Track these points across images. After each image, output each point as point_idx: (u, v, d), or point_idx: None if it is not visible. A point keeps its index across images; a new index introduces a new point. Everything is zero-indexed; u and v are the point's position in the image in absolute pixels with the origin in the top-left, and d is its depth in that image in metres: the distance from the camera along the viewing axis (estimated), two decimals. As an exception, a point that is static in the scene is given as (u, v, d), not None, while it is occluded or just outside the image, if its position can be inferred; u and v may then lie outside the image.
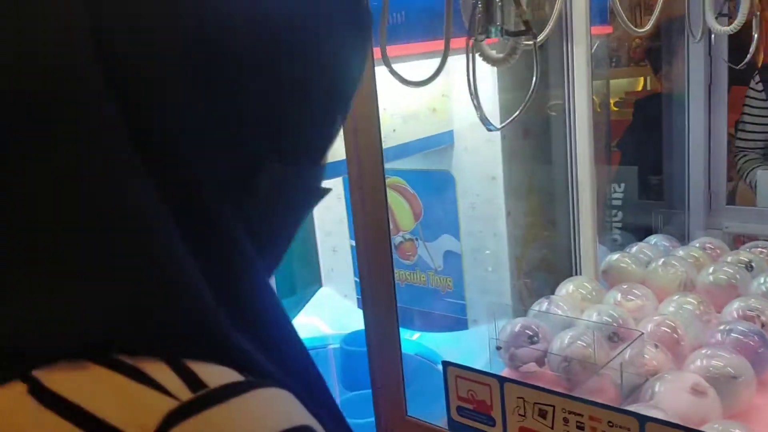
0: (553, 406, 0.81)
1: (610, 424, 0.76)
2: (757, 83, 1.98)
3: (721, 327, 1.13)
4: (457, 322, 1.71)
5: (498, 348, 1.26)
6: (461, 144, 1.61)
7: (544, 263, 1.66)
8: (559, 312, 1.31)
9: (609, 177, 2.11)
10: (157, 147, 0.34)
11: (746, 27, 1.51)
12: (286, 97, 0.39)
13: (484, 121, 0.85)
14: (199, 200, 0.36)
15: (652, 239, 1.68)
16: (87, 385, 0.32)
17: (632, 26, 1.44)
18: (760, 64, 1.97)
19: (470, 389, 0.91)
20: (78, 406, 0.31)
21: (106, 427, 0.31)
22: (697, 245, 1.59)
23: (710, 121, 1.87)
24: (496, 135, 1.55)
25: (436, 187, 1.69)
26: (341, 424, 0.43)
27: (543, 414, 0.82)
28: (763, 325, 1.16)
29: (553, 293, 1.43)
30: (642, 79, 3.81)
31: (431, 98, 1.56)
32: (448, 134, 1.61)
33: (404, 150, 1.54)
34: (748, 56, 1.60)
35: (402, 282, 1.82)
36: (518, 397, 0.84)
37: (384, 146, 1.46)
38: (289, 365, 0.39)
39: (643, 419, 0.74)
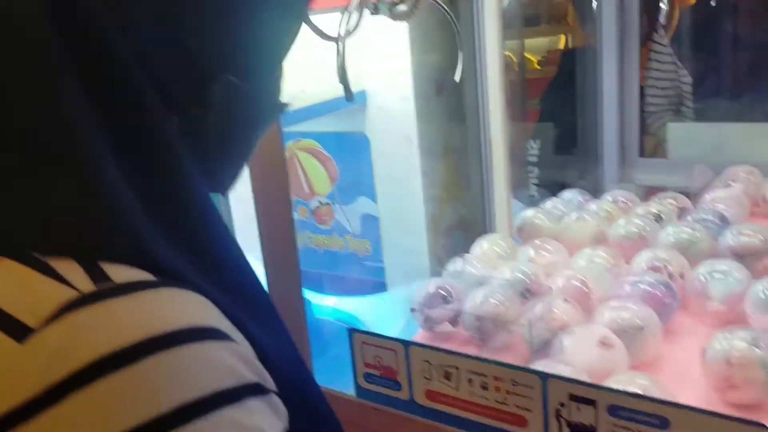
0: (458, 368, 0.79)
1: (514, 383, 0.74)
2: (662, 36, 1.99)
3: (630, 279, 1.14)
4: (376, 285, 1.69)
5: (412, 310, 1.24)
6: (374, 104, 1.57)
7: (461, 222, 1.65)
8: (473, 271, 1.30)
9: (527, 134, 2.11)
10: (93, 53, 0.34)
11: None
12: (231, 2, 0.39)
13: (347, 91, 0.80)
14: (139, 111, 0.36)
15: (566, 194, 1.69)
16: None
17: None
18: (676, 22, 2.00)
19: (376, 355, 0.88)
20: None
21: None
22: (610, 199, 1.61)
23: (623, 74, 1.88)
24: (410, 94, 1.51)
25: (351, 150, 1.64)
26: (289, 350, 0.42)
27: (448, 376, 0.80)
28: (670, 276, 1.18)
29: (468, 252, 1.42)
30: (563, 36, 3.85)
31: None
32: (360, 94, 1.56)
33: (315, 111, 1.49)
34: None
35: (320, 247, 1.77)
36: (424, 361, 0.82)
37: (292, 107, 1.40)
38: (231, 287, 0.37)
39: (545, 376, 0.72)
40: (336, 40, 0.96)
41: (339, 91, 1.51)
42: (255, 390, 0.34)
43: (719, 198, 1.48)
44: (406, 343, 0.84)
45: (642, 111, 2.03)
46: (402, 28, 1.45)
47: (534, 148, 1.91)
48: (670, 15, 2.25)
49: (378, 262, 1.69)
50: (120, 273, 0.33)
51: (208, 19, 0.39)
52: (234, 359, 0.33)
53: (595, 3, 1.82)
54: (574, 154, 2.06)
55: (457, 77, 1.18)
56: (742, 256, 1.21)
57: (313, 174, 1.72)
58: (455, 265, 1.33)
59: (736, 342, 0.88)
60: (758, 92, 1.87)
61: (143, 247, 0.34)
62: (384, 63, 1.49)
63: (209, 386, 0.31)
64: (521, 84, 2.02)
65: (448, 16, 1.16)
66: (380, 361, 0.89)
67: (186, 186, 0.37)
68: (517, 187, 2.18)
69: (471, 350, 1.11)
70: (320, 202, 1.74)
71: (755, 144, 1.74)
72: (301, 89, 1.38)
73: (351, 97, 1.15)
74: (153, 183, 0.35)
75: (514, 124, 2.09)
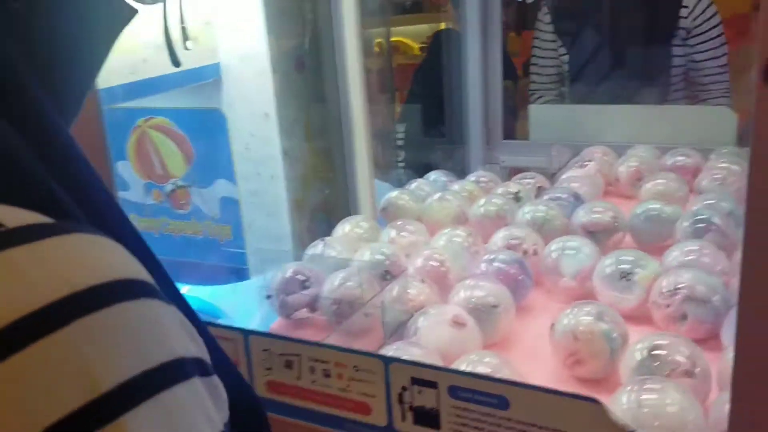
0: (299, 356, 0.73)
1: (356, 369, 0.70)
2: (545, 14, 1.99)
3: (486, 257, 1.13)
4: (238, 272, 1.60)
5: (268, 297, 1.17)
6: (230, 78, 1.47)
7: (325, 205, 1.59)
8: (333, 253, 1.25)
9: (394, 117, 2.10)
10: None
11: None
12: None
13: (172, 55, 0.72)
14: None
15: (432, 175, 1.68)
16: None
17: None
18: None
19: (215, 346, 0.81)
20: None
21: None
22: (473, 179, 1.61)
23: (486, 59, 1.89)
24: (267, 69, 1.43)
25: (207, 128, 1.54)
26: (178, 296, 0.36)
27: (289, 365, 0.74)
28: (525, 252, 1.19)
29: (331, 235, 1.37)
30: (443, 24, 3.89)
31: (191, 26, 1.39)
32: (213, 67, 1.45)
33: (159, 84, 1.36)
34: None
35: (176, 233, 1.66)
36: (263, 350, 0.76)
37: (132, 78, 1.28)
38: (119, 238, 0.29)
39: (387, 360, 0.68)
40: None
41: (187, 63, 1.41)
42: (201, 368, 0.27)
43: (574, 177, 1.52)
44: (246, 332, 0.78)
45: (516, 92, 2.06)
46: (257, 4, 1.36)
47: (401, 131, 1.90)
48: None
49: (239, 248, 1.60)
50: (7, 214, 0.25)
51: None
52: (176, 325, 0.27)
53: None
54: (442, 137, 2.06)
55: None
56: (593, 232, 1.24)
57: (166, 154, 1.60)
58: (315, 248, 1.28)
59: (582, 317, 0.88)
60: (623, 75, 1.93)
61: (31, 181, 0.27)
62: (239, 35, 1.40)
63: (154, 357, 0.25)
64: (389, 69, 2.00)
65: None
66: (220, 352, 0.82)
67: (43, 113, 0.31)
68: (389, 169, 2.16)
69: (330, 337, 1.06)
70: (176, 185, 1.63)
71: (612, 125, 1.81)
72: (143, 59, 1.26)
73: (177, 63, 1.05)
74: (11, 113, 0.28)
75: (379, 106, 2.07)
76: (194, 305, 1.37)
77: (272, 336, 0.76)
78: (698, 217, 1.15)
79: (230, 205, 1.58)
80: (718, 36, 1.82)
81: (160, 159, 1.60)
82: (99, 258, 0.26)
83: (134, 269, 0.27)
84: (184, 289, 1.52)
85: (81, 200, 0.30)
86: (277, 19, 1.41)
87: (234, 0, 1.40)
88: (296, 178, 1.52)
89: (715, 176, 1.38)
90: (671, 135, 1.67)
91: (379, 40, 2.45)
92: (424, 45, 3.72)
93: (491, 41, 1.88)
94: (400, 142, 1.93)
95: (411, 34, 3.82)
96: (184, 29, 1.35)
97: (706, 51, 1.83)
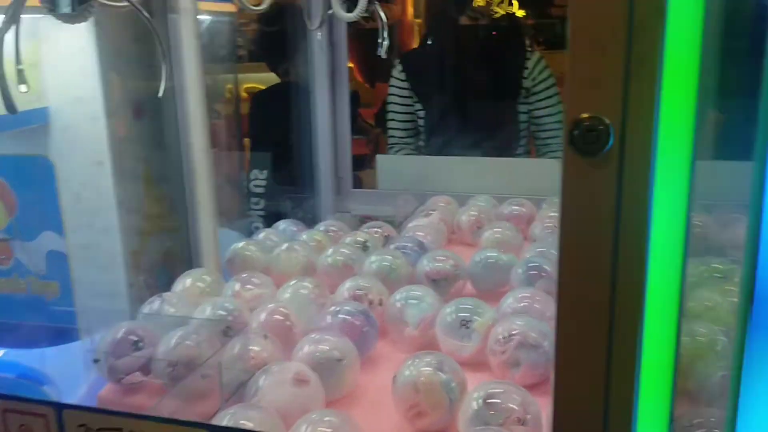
0: (120, 430, 0.67)
1: (184, 441, 0.64)
2: (400, 72, 2.06)
3: (331, 309, 1.12)
4: (67, 333, 1.47)
5: (95, 361, 1.08)
6: (59, 123, 1.37)
7: (166, 257, 1.51)
8: (172, 310, 1.18)
9: (244, 164, 2.06)
10: None
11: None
12: None
13: (7, 101, 0.66)
14: None
15: (281, 225, 1.66)
16: None
17: (248, 4, 1.37)
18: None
19: (23, 424, 0.72)
20: None
21: None
22: (322, 228, 1.61)
23: (335, 110, 1.92)
24: (101, 114, 1.35)
25: (32, 175, 1.42)
26: None
27: (108, 441, 0.67)
28: (370, 303, 1.18)
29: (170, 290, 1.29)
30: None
31: (15, 68, 1.28)
32: (40, 111, 1.35)
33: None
34: (384, 43, 1.58)
35: (-5, 292, 1.50)
36: (80, 426, 0.68)
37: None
38: None
39: (212, 429, 0.64)
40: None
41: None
42: None
43: (419, 226, 1.56)
44: (59, 406, 0.70)
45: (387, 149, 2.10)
46: (89, 40, 1.29)
47: (260, 177, 1.86)
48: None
49: (69, 305, 1.47)
50: None
51: None
52: None
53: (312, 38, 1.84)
54: (293, 185, 2.05)
55: (160, 92, 1.07)
56: (436, 280, 1.27)
57: (-16, 205, 1.45)
58: (152, 305, 1.20)
59: (422, 368, 0.89)
60: (473, 129, 2.04)
61: None
62: (69, 78, 1.31)
63: None
64: (236, 115, 1.97)
65: (150, 27, 1.04)
66: (30, 430, 0.73)
67: None
68: (239, 217, 2.10)
69: (161, 402, 0.99)
70: (-5, 239, 1.47)
71: (456, 176, 1.89)
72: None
73: (14, 111, 0.97)
74: None
75: (230, 153, 2.02)
76: (12, 371, 1.23)
77: (90, 409, 0.69)
78: (531, 264, 1.21)
79: (58, 259, 1.45)
80: (555, 95, 1.98)
81: (-24, 210, 1.45)
82: None
83: None
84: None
85: None
86: (112, 62, 1.34)
87: (64, 40, 1.32)
88: (133, 230, 1.43)
89: (546, 224, 1.47)
90: (508, 185, 1.78)
91: (230, 86, 2.41)
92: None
93: (339, 94, 1.92)
94: (257, 190, 1.89)
95: (260, 81, 3.82)
96: (20, 71, 1.24)
97: (545, 108, 1.98)
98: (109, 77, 1.33)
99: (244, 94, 2.65)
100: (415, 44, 3.35)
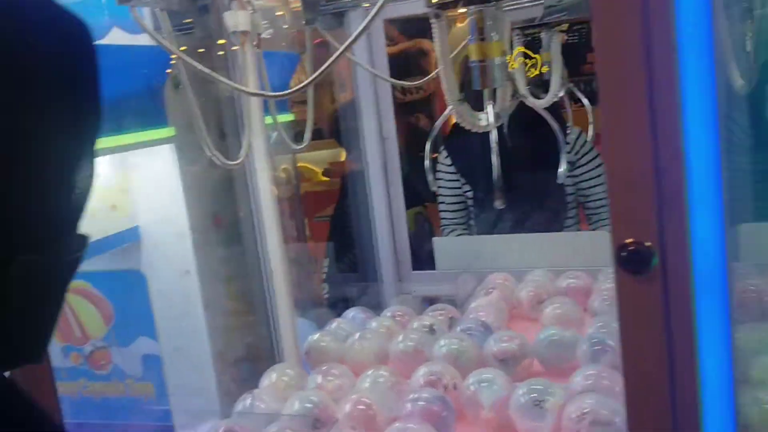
0: None
1: None
2: (446, 158, 2.15)
3: (410, 396, 1.20)
4: (163, 431, 1.58)
5: (200, 459, 1.18)
6: (149, 240, 1.53)
7: (249, 352, 1.63)
8: (262, 406, 1.28)
9: (310, 252, 2.18)
10: None
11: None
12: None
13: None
14: None
15: (350, 313, 1.75)
16: None
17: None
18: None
19: None
20: None
21: None
22: (389, 314, 1.70)
23: (389, 194, 2.04)
24: (185, 228, 1.50)
25: (126, 288, 1.57)
26: None
27: None
28: (445, 388, 1.26)
29: (257, 386, 1.40)
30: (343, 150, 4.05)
31: (109, 195, 1.46)
32: (132, 231, 1.51)
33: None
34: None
35: (97, 395, 1.63)
36: None
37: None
38: None
39: None
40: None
41: (107, 229, 1.46)
42: None
43: (481, 306, 1.63)
44: None
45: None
46: (173, 166, 1.45)
47: (324, 266, 1.99)
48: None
49: (164, 405, 1.59)
50: None
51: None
52: None
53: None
54: (355, 271, 2.16)
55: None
56: (504, 360, 1.34)
57: (84, 316, 1.60)
58: (244, 402, 1.30)
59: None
60: (522, 206, 2.10)
61: None
62: (157, 200, 1.47)
63: None
64: (297, 197, 2.09)
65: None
66: None
67: None
68: (310, 307, 2.20)
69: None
70: (95, 346, 1.62)
71: (510, 252, 1.96)
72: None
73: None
74: None
75: (298, 245, 2.14)
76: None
77: None
78: (594, 340, 1.27)
79: (152, 362, 1.58)
80: (599, 166, 2.05)
81: (78, 321, 1.60)
82: None
83: None
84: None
85: None
86: (193, 182, 1.50)
87: (151, 167, 1.48)
88: (219, 329, 1.56)
89: (605, 297, 1.53)
90: (564, 259, 1.85)
91: (284, 166, 2.49)
92: (326, 170, 3.86)
93: (392, 178, 2.04)
94: (324, 276, 2.01)
95: (312, 160, 3.90)
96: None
97: (590, 179, 2.06)
98: (192, 195, 1.49)
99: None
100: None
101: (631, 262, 0.55)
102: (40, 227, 0.42)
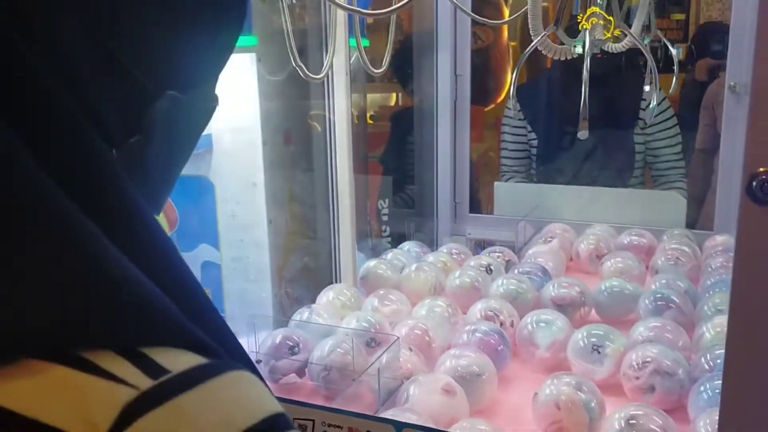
0: (313, 420, 0.79)
1: (369, 434, 0.75)
2: (515, 103, 2.12)
3: (467, 328, 1.21)
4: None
5: (258, 362, 1.22)
6: (220, 149, 1.54)
7: (305, 272, 1.65)
8: (320, 320, 1.31)
9: (367, 187, 2.18)
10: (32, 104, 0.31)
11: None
12: (170, 15, 0.39)
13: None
14: (85, 157, 0.33)
15: (406, 245, 1.77)
16: (25, 385, 0.28)
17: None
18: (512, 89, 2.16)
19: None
20: (11, 412, 0.27)
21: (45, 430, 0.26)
22: (445, 251, 1.71)
23: (456, 136, 2.02)
24: (257, 140, 1.51)
25: (194, 194, 1.59)
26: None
27: (303, 428, 0.79)
28: (501, 324, 1.27)
29: (314, 302, 1.43)
30: (394, 94, 4.02)
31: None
32: (206, 138, 1.52)
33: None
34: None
35: (155, 295, 1.68)
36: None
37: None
38: (218, 336, 0.35)
39: (399, 425, 0.74)
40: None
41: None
42: None
43: (540, 252, 1.63)
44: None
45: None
46: (251, 77, 1.45)
47: (384, 206, 1.99)
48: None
49: (219, 311, 1.63)
50: (167, 358, 0.30)
51: (146, 34, 0.37)
52: None
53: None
54: (413, 208, 2.16)
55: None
56: (562, 306, 1.34)
57: (150, 218, 1.64)
58: (302, 314, 1.33)
59: (562, 387, 0.96)
60: (588, 159, 2.07)
61: (175, 321, 0.32)
62: (232, 110, 1.48)
63: None
64: (363, 138, 2.10)
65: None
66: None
67: (151, 230, 0.35)
68: (361, 239, 2.23)
69: (318, 401, 1.11)
70: (157, 248, 1.66)
71: (572, 204, 1.94)
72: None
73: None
74: (126, 237, 0.33)
75: (357, 176, 2.15)
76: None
77: (286, 400, 0.81)
78: (658, 296, 1.26)
79: (211, 269, 1.62)
80: (674, 126, 2.00)
81: (143, 222, 1.64)
82: (250, 398, 0.32)
83: (273, 403, 0.33)
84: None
85: (187, 303, 0.34)
86: (268, 95, 1.50)
87: (231, 76, 1.48)
88: (279, 246, 1.58)
89: (669, 256, 1.51)
90: (626, 215, 1.82)
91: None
92: (375, 114, 3.84)
93: (461, 120, 2.02)
94: (385, 218, 2.03)
95: (386, 101, 3.88)
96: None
97: (664, 140, 2.01)
98: (266, 107, 1.49)
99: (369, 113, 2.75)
100: (511, 69, 3.40)
101: (761, 190, 0.53)
102: (189, 69, 0.42)
